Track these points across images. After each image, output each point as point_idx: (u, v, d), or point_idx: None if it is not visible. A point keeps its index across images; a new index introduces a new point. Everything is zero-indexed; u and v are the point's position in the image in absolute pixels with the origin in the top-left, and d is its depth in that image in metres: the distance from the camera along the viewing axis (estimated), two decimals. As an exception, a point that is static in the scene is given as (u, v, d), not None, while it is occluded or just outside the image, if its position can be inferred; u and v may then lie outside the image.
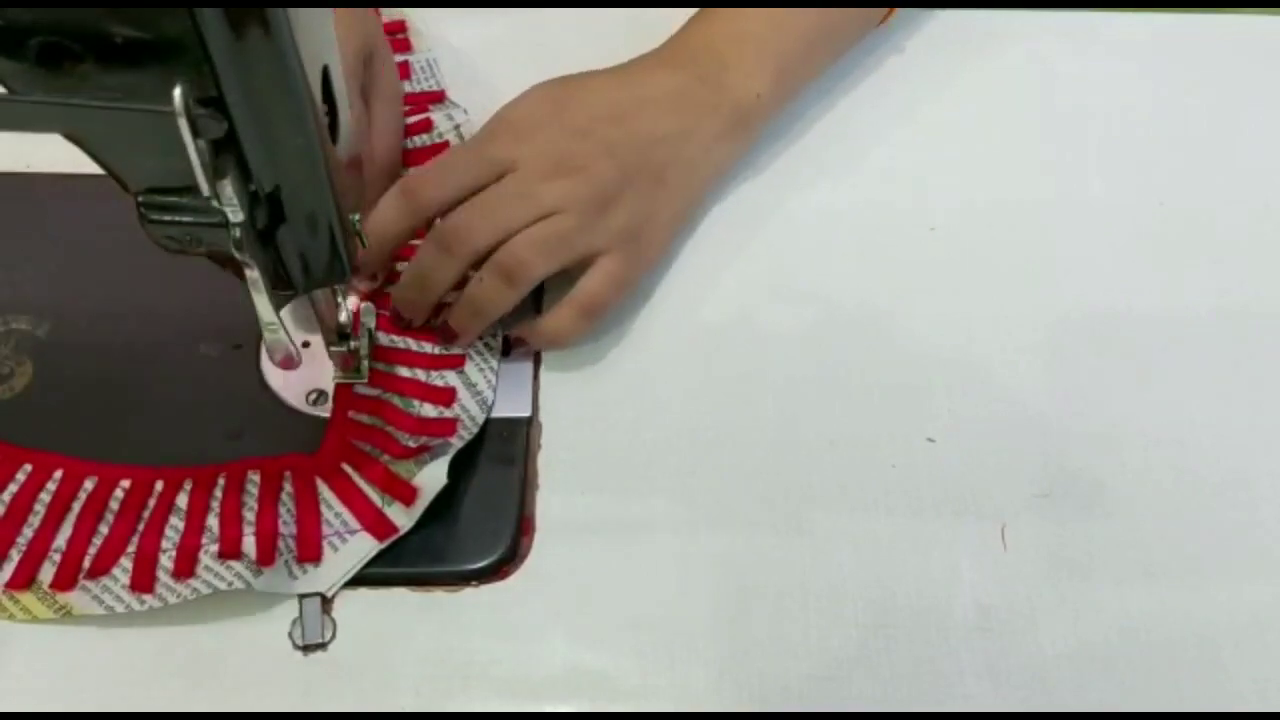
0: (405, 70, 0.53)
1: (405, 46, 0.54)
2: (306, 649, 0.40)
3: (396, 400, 0.44)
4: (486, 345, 0.45)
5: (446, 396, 0.44)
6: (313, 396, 0.44)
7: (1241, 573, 0.42)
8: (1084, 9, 0.57)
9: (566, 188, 0.43)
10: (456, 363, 0.45)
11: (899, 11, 0.55)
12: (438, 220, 0.44)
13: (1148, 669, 0.40)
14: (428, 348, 0.45)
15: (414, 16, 0.55)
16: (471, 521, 0.42)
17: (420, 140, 0.51)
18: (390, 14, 0.55)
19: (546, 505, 0.43)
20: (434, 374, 0.45)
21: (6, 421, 0.43)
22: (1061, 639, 0.40)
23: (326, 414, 0.44)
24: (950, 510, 0.43)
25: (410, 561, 0.41)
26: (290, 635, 0.40)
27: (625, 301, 0.47)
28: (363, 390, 0.44)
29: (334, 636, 0.40)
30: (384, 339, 0.45)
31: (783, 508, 0.43)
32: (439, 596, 0.41)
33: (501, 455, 0.43)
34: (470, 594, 0.41)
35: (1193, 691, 0.40)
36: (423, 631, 0.40)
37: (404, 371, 0.45)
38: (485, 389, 0.44)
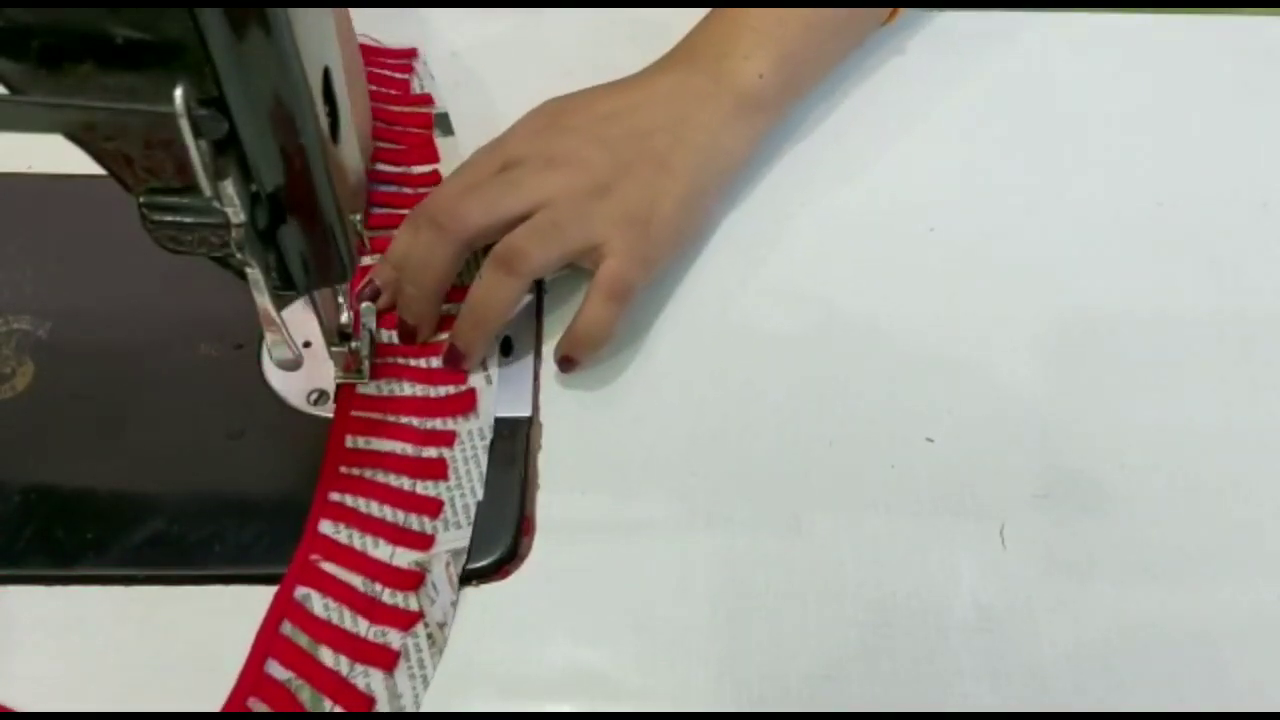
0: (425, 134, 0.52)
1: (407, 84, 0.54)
2: (307, 649, 0.40)
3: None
4: (430, 638, 0.39)
5: (364, 704, 0.38)
6: (313, 397, 0.44)
7: (1241, 573, 0.42)
8: (1084, 9, 0.58)
9: (559, 178, 0.44)
10: (386, 661, 0.38)
11: (902, 11, 0.55)
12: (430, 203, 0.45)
13: (1147, 669, 0.40)
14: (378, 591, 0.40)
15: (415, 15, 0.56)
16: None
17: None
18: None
19: (546, 505, 0.43)
20: (357, 668, 0.38)
21: (7, 421, 0.43)
22: (1061, 639, 0.40)
23: (327, 414, 0.44)
24: (949, 510, 0.43)
25: (410, 562, 0.41)
26: (291, 635, 0.40)
27: (649, 285, 0.47)
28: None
29: (334, 636, 0.40)
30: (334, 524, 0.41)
31: (783, 508, 0.43)
32: (439, 596, 0.41)
33: (501, 455, 0.43)
34: (470, 594, 0.41)
35: (1193, 691, 0.40)
36: (423, 631, 0.40)
37: (328, 660, 0.39)
38: (409, 702, 0.38)
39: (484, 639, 0.40)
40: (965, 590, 0.41)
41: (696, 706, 0.39)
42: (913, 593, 0.41)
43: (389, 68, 0.54)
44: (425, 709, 0.38)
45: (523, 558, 0.42)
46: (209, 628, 0.40)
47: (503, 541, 0.42)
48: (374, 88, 0.53)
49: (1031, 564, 0.42)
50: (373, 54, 0.54)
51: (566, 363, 0.45)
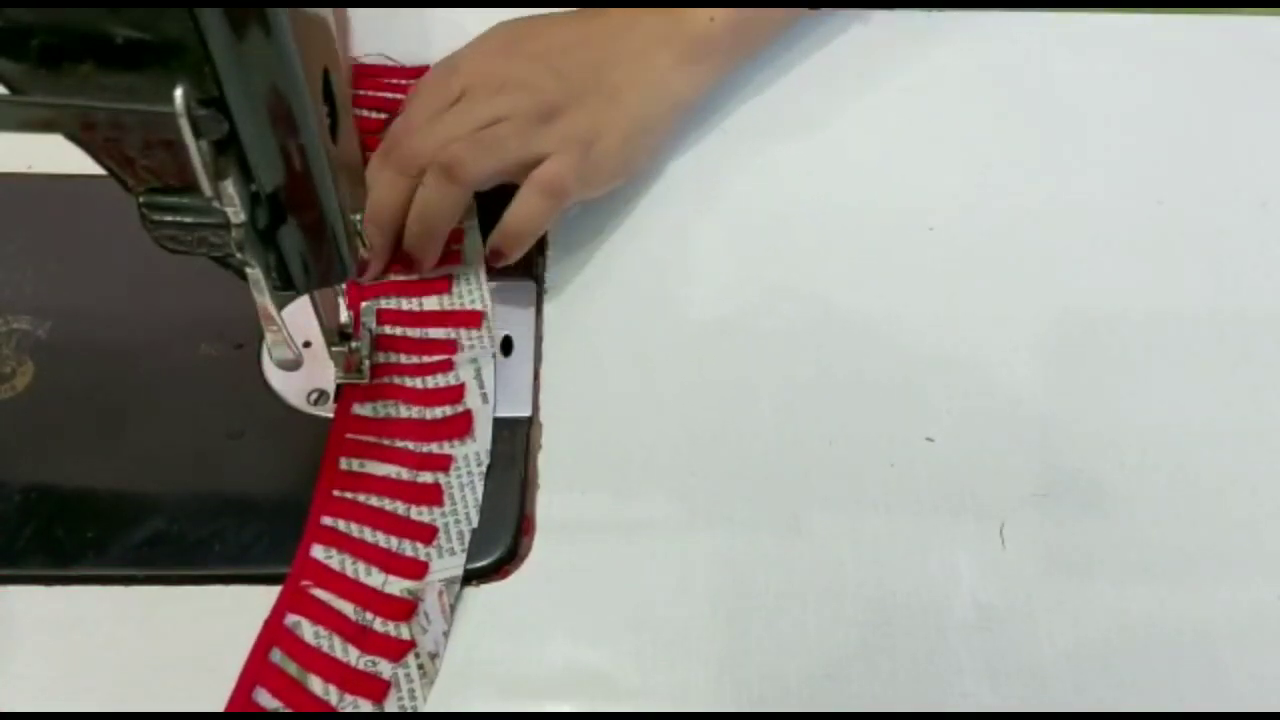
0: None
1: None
2: (307, 649, 0.40)
3: None
4: (422, 669, 0.39)
5: None
6: (314, 397, 0.44)
7: (1241, 572, 0.42)
8: (1084, 9, 0.58)
9: (508, 100, 0.45)
10: (376, 692, 0.38)
11: (899, 11, 0.55)
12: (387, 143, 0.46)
13: (1147, 668, 0.40)
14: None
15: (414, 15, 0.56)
16: (471, 522, 0.42)
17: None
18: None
19: (546, 505, 0.43)
20: (346, 699, 0.38)
21: (7, 421, 0.43)
22: (1060, 638, 0.40)
23: (327, 414, 0.44)
24: (949, 509, 0.43)
25: (410, 562, 0.40)
26: (291, 635, 0.40)
27: (584, 197, 0.47)
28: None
29: (334, 636, 0.40)
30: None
31: (782, 508, 0.43)
32: (439, 596, 0.41)
33: (501, 455, 0.43)
34: (470, 594, 0.41)
35: (1192, 691, 0.40)
36: (423, 631, 0.40)
37: (317, 689, 0.38)
38: None
39: (484, 639, 0.40)
40: (965, 590, 0.41)
41: (696, 706, 0.39)
42: (913, 593, 0.41)
43: (394, 105, 0.51)
44: (427, 709, 0.38)
45: (523, 558, 0.42)
46: (209, 628, 0.40)
47: (503, 541, 0.42)
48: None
49: (1031, 564, 0.42)
50: (385, 74, 0.53)
51: (495, 255, 0.46)
